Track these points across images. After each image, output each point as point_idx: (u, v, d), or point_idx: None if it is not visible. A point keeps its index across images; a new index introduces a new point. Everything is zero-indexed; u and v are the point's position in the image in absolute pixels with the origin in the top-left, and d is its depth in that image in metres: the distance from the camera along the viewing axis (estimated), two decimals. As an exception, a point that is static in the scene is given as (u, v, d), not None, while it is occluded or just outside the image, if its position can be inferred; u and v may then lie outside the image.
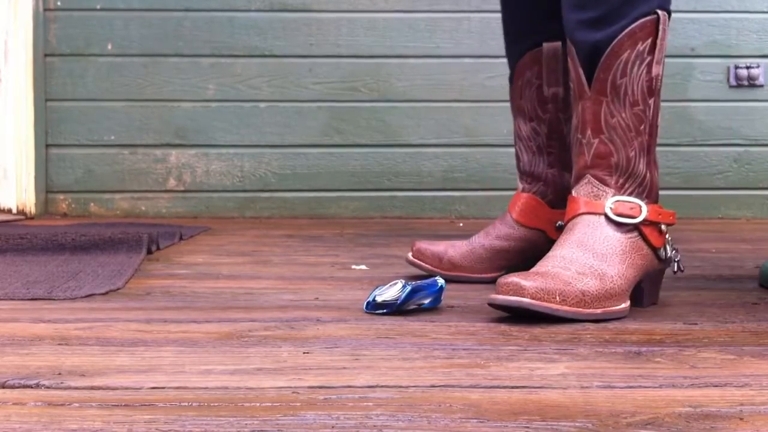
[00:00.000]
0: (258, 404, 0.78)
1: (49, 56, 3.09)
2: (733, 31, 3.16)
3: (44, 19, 3.07)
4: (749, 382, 0.87)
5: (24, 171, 3.05)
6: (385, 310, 1.23)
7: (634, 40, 1.25)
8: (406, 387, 0.84)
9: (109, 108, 3.10)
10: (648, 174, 1.29)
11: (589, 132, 1.29)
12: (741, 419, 0.74)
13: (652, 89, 1.28)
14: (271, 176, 3.12)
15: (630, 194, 1.27)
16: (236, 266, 1.77)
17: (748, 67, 3.16)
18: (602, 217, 1.25)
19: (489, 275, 1.55)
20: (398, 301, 1.23)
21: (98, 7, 3.09)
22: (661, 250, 1.28)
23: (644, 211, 1.26)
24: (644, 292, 1.27)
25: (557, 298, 1.16)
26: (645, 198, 1.29)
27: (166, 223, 2.71)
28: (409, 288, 1.23)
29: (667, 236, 1.30)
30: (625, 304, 1.22)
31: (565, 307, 1.16)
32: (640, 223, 1.26)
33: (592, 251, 1.23)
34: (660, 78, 1.29)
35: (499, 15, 1.62)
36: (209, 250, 2.05)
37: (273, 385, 0.85)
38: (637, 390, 0.84)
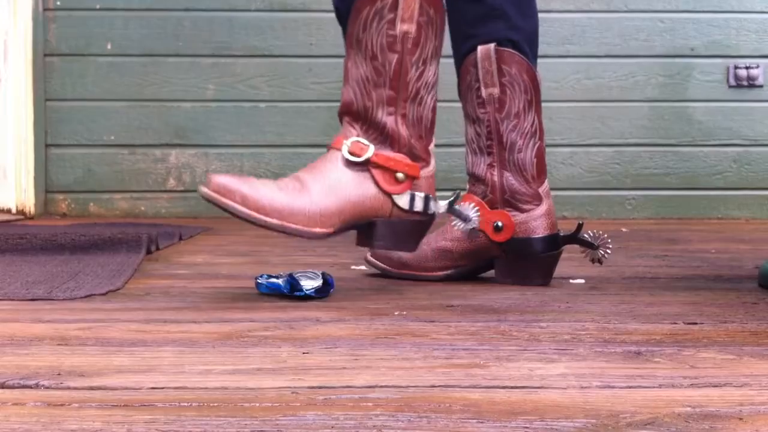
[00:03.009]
0: (258, 404, 0.78)
1: (48, 56, 3.09)
2: (732, 31, 3.16)
3: (44, 19, 3.07)
4: (749, 382, 0.87)
5: (23, 171, 3.05)
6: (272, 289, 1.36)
7: None
8: (406, 387, 0.84)
9: (108, 108, 3.10)
10: (392, 126, 1.36)
11: (343, 81, 1.40)
12: (740, 419, 0.74)
13: (394, 45, 1.36)
14: (271, 176, 3.12)
15: (371, 140, 1.36)
16: (236, 266, 1.77)
17: (747, 68, 3.17)
18: (339, 153, 1.35)
19: (435, 274, 1.56)
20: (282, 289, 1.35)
21: (98, 6, 3.09)
22: (402, 198, 1.36)
23: (369, 152, 1.34)
24: (377, 233, 1.35)
25: (237, 198, 1.28)
26: (388, 147, 1.36)
27: (166, 223, 2.71)
28: (289, 280, 1.34)
29: (420, 194, 1.37)
30: (320, 229, 1.31)
31: (241, 207, 1.28)
32: (369, 165, 1.34)
33: (314, 175, 1.33)
34: (410, 36, 1.37)
35: None
36: (209, 250, 2.05)
37: (273, 385, 0.85)
38: (636, 390, 0.84)
